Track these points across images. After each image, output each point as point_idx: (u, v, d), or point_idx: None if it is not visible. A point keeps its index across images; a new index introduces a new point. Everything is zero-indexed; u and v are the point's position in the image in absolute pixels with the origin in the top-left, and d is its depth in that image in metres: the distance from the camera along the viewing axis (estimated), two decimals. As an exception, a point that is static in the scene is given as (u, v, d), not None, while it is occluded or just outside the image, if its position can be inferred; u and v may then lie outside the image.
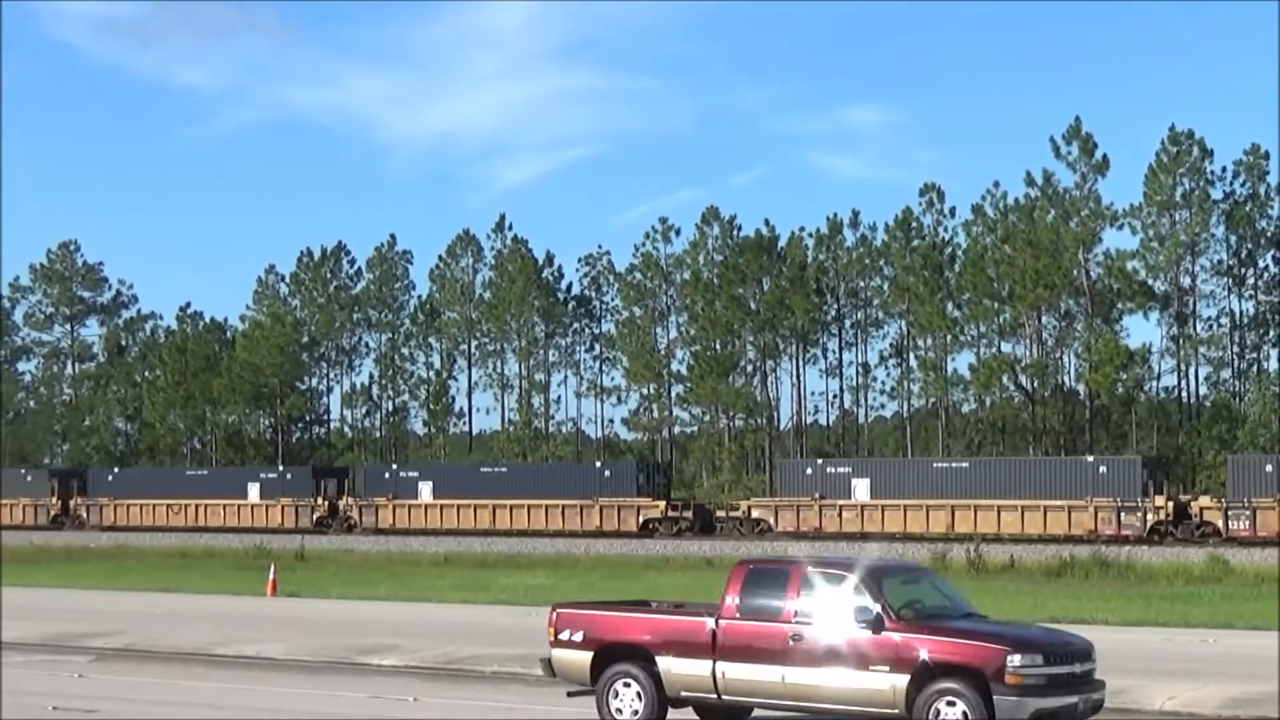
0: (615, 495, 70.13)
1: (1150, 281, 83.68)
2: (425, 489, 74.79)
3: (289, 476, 79.55)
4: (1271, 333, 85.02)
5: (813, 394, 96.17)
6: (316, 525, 75.73)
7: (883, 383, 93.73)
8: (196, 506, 79.79)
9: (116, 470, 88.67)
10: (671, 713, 17.11)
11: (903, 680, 15.65)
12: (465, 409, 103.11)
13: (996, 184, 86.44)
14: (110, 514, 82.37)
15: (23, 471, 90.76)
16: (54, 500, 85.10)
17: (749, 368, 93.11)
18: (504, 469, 78.71)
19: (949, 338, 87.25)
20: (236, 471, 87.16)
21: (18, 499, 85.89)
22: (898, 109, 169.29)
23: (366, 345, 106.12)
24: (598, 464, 78.68)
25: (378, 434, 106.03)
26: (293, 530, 73.48)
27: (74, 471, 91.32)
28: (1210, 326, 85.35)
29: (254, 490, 78.82)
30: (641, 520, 69.17)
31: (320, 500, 77.21)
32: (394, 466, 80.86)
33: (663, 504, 70.18)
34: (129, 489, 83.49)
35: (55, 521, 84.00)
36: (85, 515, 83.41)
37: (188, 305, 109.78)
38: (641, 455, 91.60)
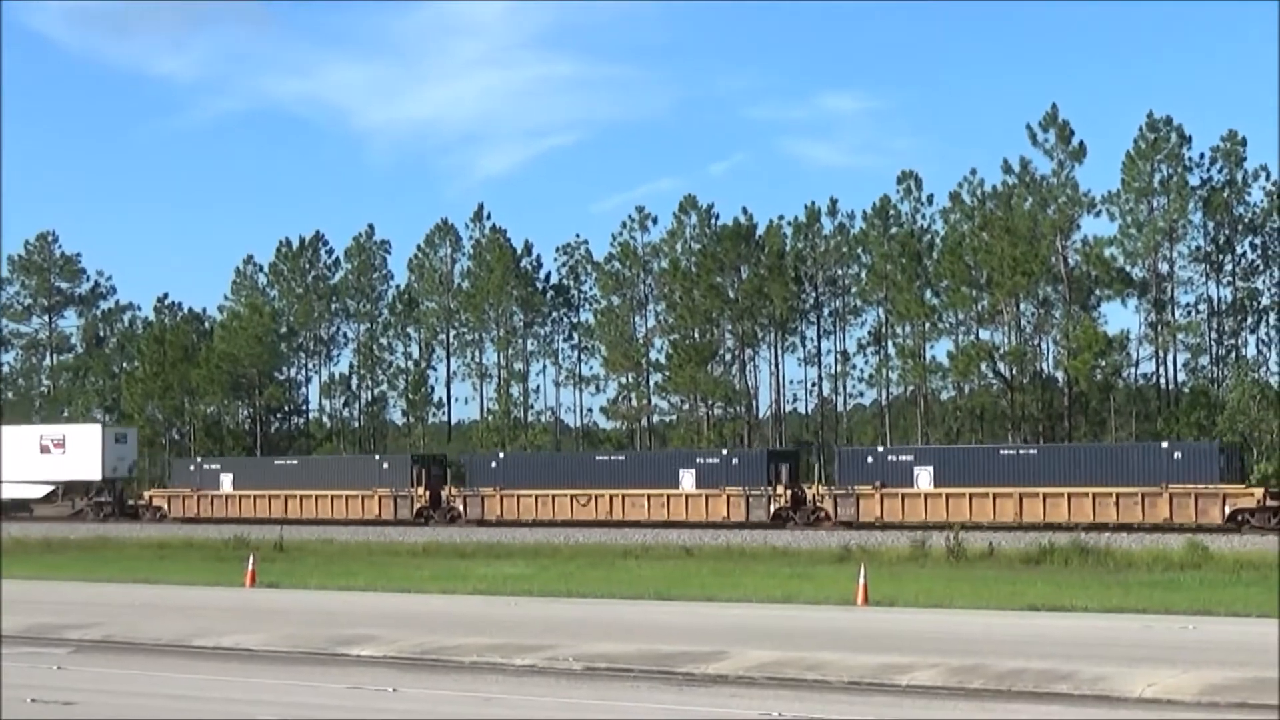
0: (1188, 481, 59.15)
1: (1128, 268, 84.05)
2: (923, 475, 63.73)
3: (734, 461, 68.86)
4: (1249, 319, 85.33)
5: (791, 382, 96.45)
6: (774, 519, 66.06)
7: (861, 370, 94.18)
8: (612, 497, 69.43)
9: (501, 455, 77.77)
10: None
11: None
12: (444, 399, 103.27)
13: (974, 171, 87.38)
14: (495, 506, 71.93)
15: (378, 458, 79.63)
16: (420, 491, 74.15)
17: (727, 356, 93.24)
18: (1033, 451, 65.87)
19: (927, 325, 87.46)
20: (662, 456, 75.93)
21: (372, 489, 75.05)
22: (875, 97, 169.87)
23: (345, 335, 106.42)
24: (1164, 444, 63.95)
25: (356, 424, 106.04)
26: (742, 524, 65.22)
27: (442, 457, 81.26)
28: (1188, 313, 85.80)
29: (688, 478, 68.56)
30: (1228, 511, 58.14)
31: (779, 489, 66.89)
32: (879, 448, 70.40)
33: (1259, 491, 58.96)
34: (519, 477, 72.47)
35: (420, 515, 73.58)
36: (462, 508, 72.92)
37: (165, 296, 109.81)
38: (1222, 436, 73.18)
